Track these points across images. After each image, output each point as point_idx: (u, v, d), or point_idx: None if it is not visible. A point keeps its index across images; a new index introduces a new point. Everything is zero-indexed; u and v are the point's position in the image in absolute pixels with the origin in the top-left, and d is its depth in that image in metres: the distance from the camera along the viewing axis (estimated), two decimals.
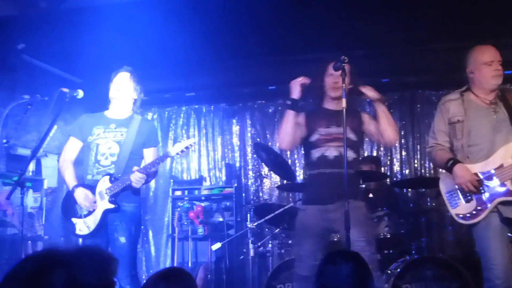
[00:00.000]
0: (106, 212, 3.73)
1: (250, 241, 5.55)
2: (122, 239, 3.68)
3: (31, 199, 5.80)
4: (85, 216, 3.78)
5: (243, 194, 7.09)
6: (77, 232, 3.80)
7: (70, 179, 3.85)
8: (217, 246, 5.40)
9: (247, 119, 7.28)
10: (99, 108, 4.13)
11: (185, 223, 6.49)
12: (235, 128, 7.34)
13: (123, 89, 3.92)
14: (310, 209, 3.60)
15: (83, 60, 5.97)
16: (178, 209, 6.65)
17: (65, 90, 3.78)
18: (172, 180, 7.13)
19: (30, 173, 5.82)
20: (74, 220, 3.83)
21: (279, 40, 5.76)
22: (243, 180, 7.19)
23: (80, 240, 3.87)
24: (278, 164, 5.53)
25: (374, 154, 6.77)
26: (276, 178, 6.89)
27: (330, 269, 2.24)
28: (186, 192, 6.99)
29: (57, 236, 6.21)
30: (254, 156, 7.08)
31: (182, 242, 6.56)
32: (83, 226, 3.77)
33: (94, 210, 3.75)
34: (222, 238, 6.21)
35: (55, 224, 6.34)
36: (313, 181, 3.67)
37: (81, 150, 3.99)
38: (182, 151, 3.70)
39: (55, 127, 3.96)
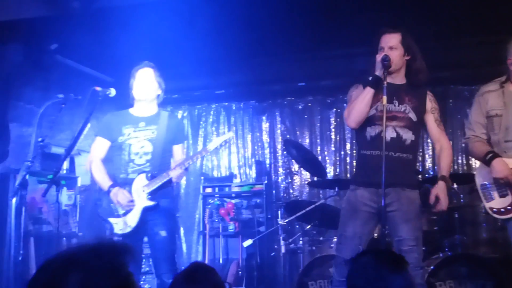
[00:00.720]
0: (145, 209, 3.75)
1: (281, 238, 5.55)
2: (163, 233, 3.70)
3: (65, 197, 5.88)
4: (124, 215, 3.79)
5: (273, 191, 7.08)
6: (117, 231, 3.79)
7: (104, 179, 3.86)
8: (248, 243, 5.41)
9: (277, 116, 7.26)
10: (129, 106, 4.15)
11: (216, 220, 6.54)
12: (265, 125, 7.34)
13: (148, 86, 3.91)
14: (360, 190, 3.41)
15: (114, 59, 6.03)
16: (209, 206, 6.71)
17: (98, 89, 3.78)
18: (202, 178, 7.16)
19: (64, 171, 5.89)
20: (112, 219, 3.84)
21: (308, 36, 5.73)
22: (273, 177, 7.19)
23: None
24: (308, 160, 5.53)
25: None
26: (306, 175, 6.87)
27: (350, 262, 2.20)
28: (216, 189, 7.01)
29: (90, 233, 6.31)
30: (284, 153, 7.07)
31: (213, 239, 6.60)
32: (123, 225, 3.77)
33: (131, 208, 3.77)
34: (253, 235, 6.21)
35: (88, 221, 6.43)
36: (365, 163, 3.46)
37: (109, 149, 4.01)
38: (220, 145, 3.71)
39: (89, 125, 4.00)
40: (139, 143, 3.86)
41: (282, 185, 7.13)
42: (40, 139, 4.09)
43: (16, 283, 4.74)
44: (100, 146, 4.00)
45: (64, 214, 5.53)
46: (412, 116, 3.44)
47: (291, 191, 7.05)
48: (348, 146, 6.91)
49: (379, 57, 3.31)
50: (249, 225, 6.58)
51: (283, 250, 5.53)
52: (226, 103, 7.47)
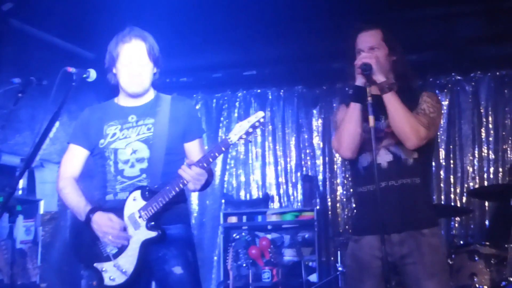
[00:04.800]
0: (146, 245, 3.70)
1: None
2: (178, 269, 3.64)
3: (21, 230, 5.94)
4: (116, 255, 3.74)
5: (330, 221, 7.09)
6: (108, 282, 3.73)
7: (80, 204, 3.83)
8: None
9: (335, 109, 7.20)
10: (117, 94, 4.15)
11: (244, 265, 6.53)
12: (317, 123, 7.36)
13: (140, 68, 3.88)
14: (365, 240, 3.62)
15: (96, 28, 6.04)
16: (233, 243, 6.69)
17: (71, 69, 3.74)
18: (223, 201, 7.22)
19: (20, 192, 5.93)
20: (99, 265, 3.77)
21: None
22: (329, 199, 7.18)
23: None
24: None
25: None
26: None
27: None
28: (244, 218, 7.06)
29: (59, 284, 6.31)
30: (346, 163, 7.00)
31: None
32: (116, 272, 3.72)
33: (126, 245, 3.74)
34: (300, 287, 6.19)
35: (55, 265, 6.44)
36: (363, 202, 3.69)
37: (89, 161, 4.00)
38: (247, 134, 3.62)
39: (57, 124, 3.98)
40: (129, 146, 3.83)
41: (343, 212, 7.11)
42: None
43: None
44: (74, 158, 3.97)
45: (20, 255, 5.55)
46: None
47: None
48: None
49: (358, 63, 3.53)
50: (294, 272, 6.58)
51: None
52: (259, 90, 7.52)
